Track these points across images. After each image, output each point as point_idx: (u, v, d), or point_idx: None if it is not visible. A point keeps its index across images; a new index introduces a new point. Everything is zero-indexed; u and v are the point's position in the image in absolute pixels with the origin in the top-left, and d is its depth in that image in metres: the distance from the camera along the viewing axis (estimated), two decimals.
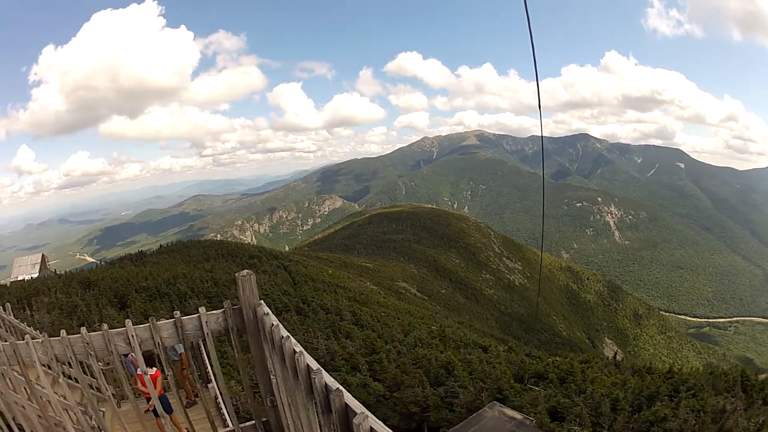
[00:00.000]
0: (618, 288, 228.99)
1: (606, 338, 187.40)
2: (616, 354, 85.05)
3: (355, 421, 3.15)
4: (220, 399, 12.14)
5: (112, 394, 14.54)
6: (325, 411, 3.76)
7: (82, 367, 15.79)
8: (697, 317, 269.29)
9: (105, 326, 5.54)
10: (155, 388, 11.19)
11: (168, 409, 11.42)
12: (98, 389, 14.83)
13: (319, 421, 4.09)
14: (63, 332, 5.64)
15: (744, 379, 26.92)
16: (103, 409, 12.05)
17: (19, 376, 8.88)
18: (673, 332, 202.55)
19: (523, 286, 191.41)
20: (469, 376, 28.65)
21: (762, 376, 30.30)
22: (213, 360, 6.03)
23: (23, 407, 7.20)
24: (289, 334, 4.72)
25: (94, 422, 8.73)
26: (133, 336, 5.48)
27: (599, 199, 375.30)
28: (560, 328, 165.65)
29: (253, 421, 6.39)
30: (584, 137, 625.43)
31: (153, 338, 5.56)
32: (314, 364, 4.08)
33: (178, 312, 5.68)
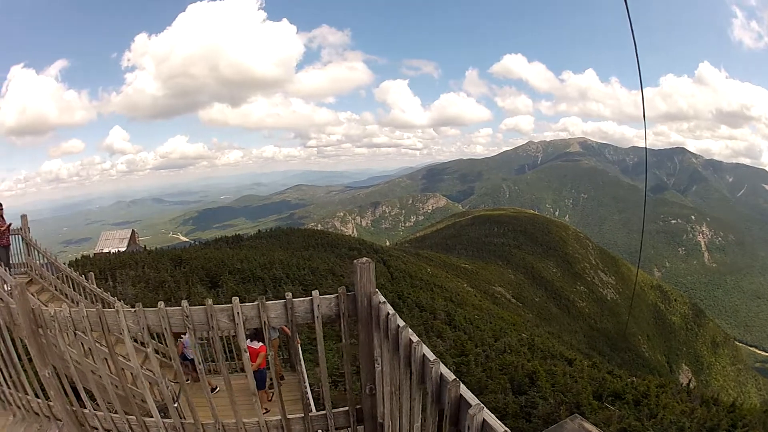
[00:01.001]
0: (701, 312, 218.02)
1: (683, 364, 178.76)
2: (690, 381, 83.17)
3: (471, 411, 3.19)
4: (306, 384, 12.16)
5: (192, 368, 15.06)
6: (435, 401, 3.83)
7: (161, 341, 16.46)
8: (767, 351, 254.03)
9: (209, 301, 5.57)
10: (254, 362, 11.67)
11: (261, 384, 12.12)
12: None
13: (423, 412, 4.23)
14: (161, 304, 5.65)
15: None
16: (177, 382, 12.31)
17: (103, 347, 9.12)
18: (742, 364, 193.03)
19: (613, 302, 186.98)
20: (551, 387, 28.75)
21: None
22: (320, 346, 5.96)
23: (99, 376, 7.34)
24: (406, 324, 4.66)
25: (169, 392, 8.93)
26: (238, 313, 5.51)
27: (693, 217, 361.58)
28: (643, 349, 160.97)
29: (347, 408, 6.39)
30: (681, 151, 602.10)
31: (260, 317, 5.56)
32: (431, 355, 4.08)
33: (289, 294, 5.66)
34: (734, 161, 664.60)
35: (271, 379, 12.64)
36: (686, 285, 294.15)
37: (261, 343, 11.91)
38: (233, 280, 54.07)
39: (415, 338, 4.39)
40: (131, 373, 10.49)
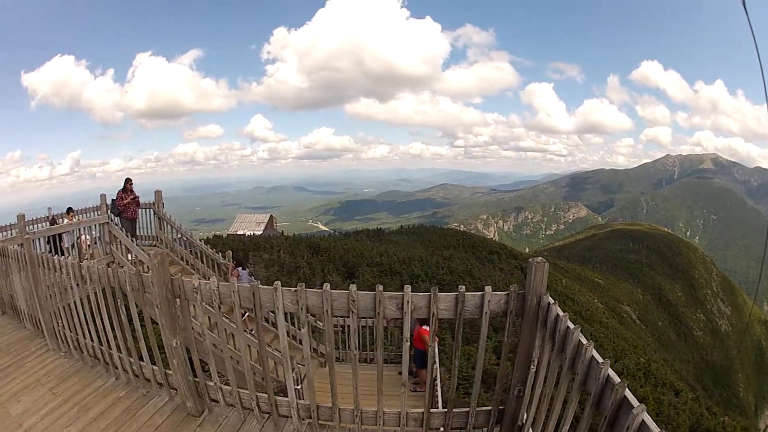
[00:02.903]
0: None
1: (766, 408, 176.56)
2: (766, 427, 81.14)
3: (634, 411, 3.34)
4: (438, 382, 12.67)
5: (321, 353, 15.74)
6: (595, 404, 3.92)
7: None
8: None
9: (380, 287, 5.58)
10: (420, 342, 12.69)
11: (422, 364, 12.83)
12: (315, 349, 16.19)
13: (576, 415, 4.32)
14: (327, 285, 5.71)
15: None
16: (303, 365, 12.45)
17: (252, 337, 9.14)
18: None
19: (726, 334, 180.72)
20: (655, 416, 27.88)
21: None
22: (482, 342, 5.87)
23: (236, 360, 7.33)
24: (577, 325, 4.62)
25: (295, 375, 8.82)
26: (408, 302, 5.52)
27: None
28: (740, 387, 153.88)
29: (490, 407, 6.32)
30: None
31: (429, 307, 5.55)
32: (599, 358, 4.12)
33: (463, 287, 5.61)
34: None
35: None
36: None
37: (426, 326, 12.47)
38: (370, 273, 55.15)
39: (585, 340, 4.44)
40: (256, 351, 10.95)
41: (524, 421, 5.80)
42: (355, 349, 5.88)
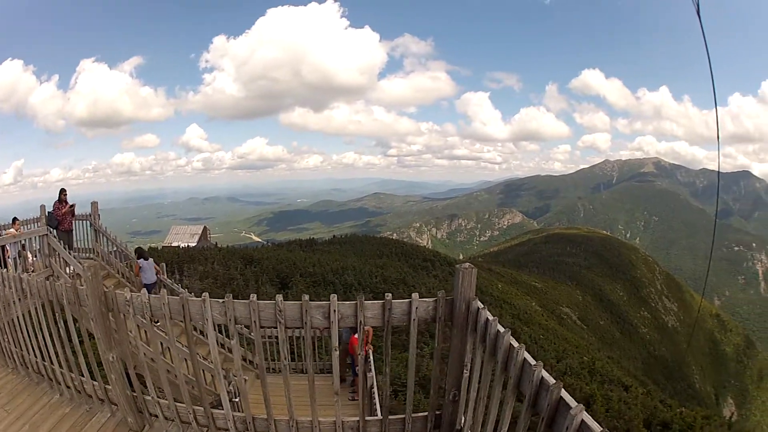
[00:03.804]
0: (752, 344, 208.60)
1: (729, 397, 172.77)
2: (732, 415, 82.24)
3: (572, 412, 3.36)
4: (375, 389, 12.75)
5: (255, 365, 15.33)
6: (531, 405, 3.95)
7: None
8: None
9: (305, 296, 5.59)
10: (353, 350, 12.88)
11: (356, 371, 12.87)
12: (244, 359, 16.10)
13: (515, 416, 4.26)
14: (253, 296, 5.73)
15: None
16: (246, 377, 12.38)
17: (183, 347, 9.18)
18: None
19: (674, 329, 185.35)
20: (605, 413, 28.81)
21: None
22: (411, 349, 5.82)
23: (174, 374, 7.39)
24: (507, 329, 4.70)
25: (231, 387, 8.87)
26: (335, 311, 5.55)
27: (754, 245, 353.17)
28: (695, 379, 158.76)
29: (426, 413, 6.36)
30: (746, 175, 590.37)
31: (356, 316, 5.59)
32: (532, 360, 4.15)
33: (389, 294, 5.66)
34: None
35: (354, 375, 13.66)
36: (742, 315, 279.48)
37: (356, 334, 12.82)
38: (304, 283, 54.84)
39: (516, 343, 4.48)
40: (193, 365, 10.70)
41: (462, 425, 5.90)
42: (285, 359, 5.97)
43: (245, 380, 12.35)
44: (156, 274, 17.46)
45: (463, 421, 5.88)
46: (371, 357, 14.62)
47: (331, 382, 12.98)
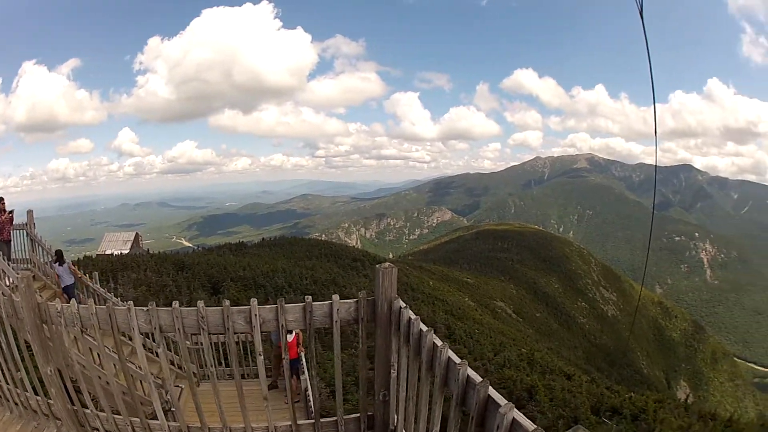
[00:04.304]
0: (701, 329, 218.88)
1: (681, 380, 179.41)
2: (687, 397, 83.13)
3: (501, 411, 3.27)
4: (310, 391, 12.51)
5: (194, 372, 15.09)
6: (459, 404, 3.89)
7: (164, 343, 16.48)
8: (765, 367, 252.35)
9: (226, 302, 5.55)
10: (290, 352, 12.62)
11: (292, 373, 12.53)
12: (179, 366, 15.53)
13: (445, 416, 4.25)
14: (176, 303, 5.66)
15: None
16: (181, 386, 12.31)
17: (113, 353, 9.11)
18: (740, 380, 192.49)
19: (614, 318, 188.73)
20: (549, 402, 28.75)
21: None
22: (336, 351, 5.93)
23: (107, 382, 7.34)
24: (430, 328, 4.74)
25: (168, 397, 8.86)
26: (256, 315, 5.49)
27: (696, 234, 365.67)
28: (642, 365, 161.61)
29: (359, 414, 6.39)
30: (687, 168, 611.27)
31: (277, 320, 5.56)
32: (456, 358, 4.18)
33: (309, 297, 5.70)
34: (740, 178, 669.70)
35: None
36: (687, 302, 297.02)
37: (293, 334, 12.92)
38: (235, 287, 54.45)
39: (439, 342, 4.48)
40: (131, 375, 10.55)
41: (396, 425, 5.92)
42: (212, 366, 6.02)
43: (181, 389, 12.34)
44: (73, 276, 17.14)
45: (396, 420, 5.91)
46: (304, 360, 14.50)
47: (267, 386, 13.07)
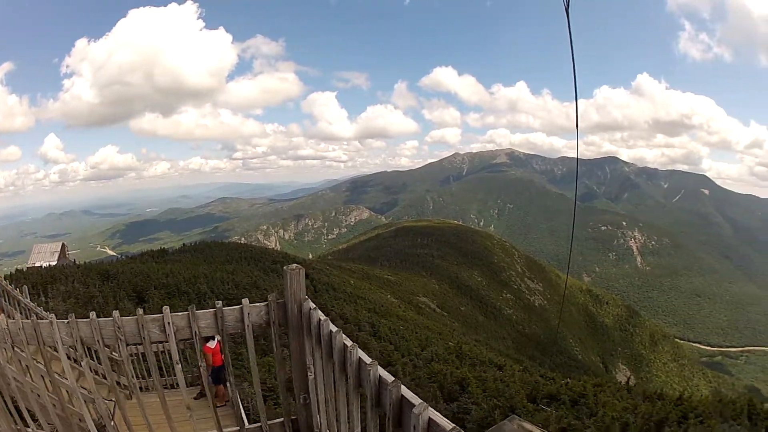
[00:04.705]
0: (636, 313, 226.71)
1: (620, 363, 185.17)
2: (629, 379, 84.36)
3: (415, 411, 3.20)
4: (237, 398, 12.31)
5: (123, 385, 14.82)
6: (375, 405, 3.82)
7: (93, 355, 16.16)
8: (711, 346, 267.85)
9: (140, 311, 5.46)
10: (214, 359, 12.50)
11: (219, 380, 12.50)
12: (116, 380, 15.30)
13: (363, 417, 4.17)
14: (93, 314, 5.51)
15: (750, 408, 26.87)
16: (112, 399, 12.15)
17: (40, 365, 8.94)
18: (686, 360, 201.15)
19: (542, 308, 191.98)
20: (482, 393, 28.67)
21: None
22: (251, 355, 5.83)
23: (38, 395, 7.22)
24: (339, 329, 4.68)
25: (105, 411, 8.72)
26: (169, 323, 5.42)
27: (624, 223, 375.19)
28: (576, 351, 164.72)
29: (282, 419, 6.30)
30: (613, 160, 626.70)
31: (190, 327, 5.48)
32: (367, 358, 4.13)
33: (220, 302, 5.61)
34: (670, 168, 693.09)
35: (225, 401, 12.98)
36: (618, 288, 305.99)
37: (216, 340, 12.57)
38: (159, 295, 53.86)
39: (349, 342, 4.44)
40: (67, 391, 10.40)
41: (320, 428, 5.82)
42: (132, 377, 5.97)
43: (112, 402, 12.24)
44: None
45: (319, 423, 5.85)
46: (228, 366, 14.31)
47: (195, 396, 12.85)
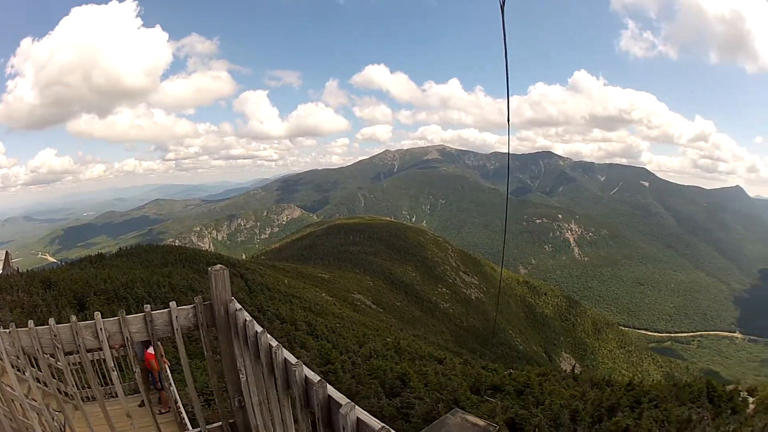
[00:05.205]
0: (576, 303, 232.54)
1: (563, 352, 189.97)
2: (574, 367, 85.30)
3: (342, 411, 3.14)
4: (179, 403, 11.90)
5: (71, 394, 14.68)
6: (305, 405, 3.76)
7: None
8: (659, 332, 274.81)
9: (73, 318, 5.33)
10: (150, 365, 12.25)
11: (163, 383, 12.11)
12: (60, 390, 15.04)
13: (295, 418, 4.14)
14: (30, 323, 5.37)
15: (710, 390, 27.27)
16: (59, 411, 12.00)
17: (10, 390, 8.80)
18: (632, 346, 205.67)
19: (479, 300, 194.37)
20: (424, 387, 28.81)
21: (729, 387, 30.76)
22: (182, 358, 5.70)
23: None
24: (264, 329, 4.62)
25: (56, 423, 8.59)
26: (101, 329, 5.29)
27: (559, 216, 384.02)
28: (516, 342, 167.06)
29: (220, 423, 6.21)
30: (548, 155, 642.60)
31: (122, 332, 5.36)
32: (293, 359, 4.06)
33: (149, 306, 5.51)
34: (608, 162, 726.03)
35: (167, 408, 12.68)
36: (556, 279, 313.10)
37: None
38: (99, 302, 53.33)
39: (274, 343, 4.39)
40: (20, 404, 10.31)
41: (257, 430, 5.66)
42: (73, 386, 5.89)
43: (60, 413, 12.08)
44: None
45: (257, 425, 5.69)
46: (168, 371, 14.20)
47: (139, 403, 12.72)
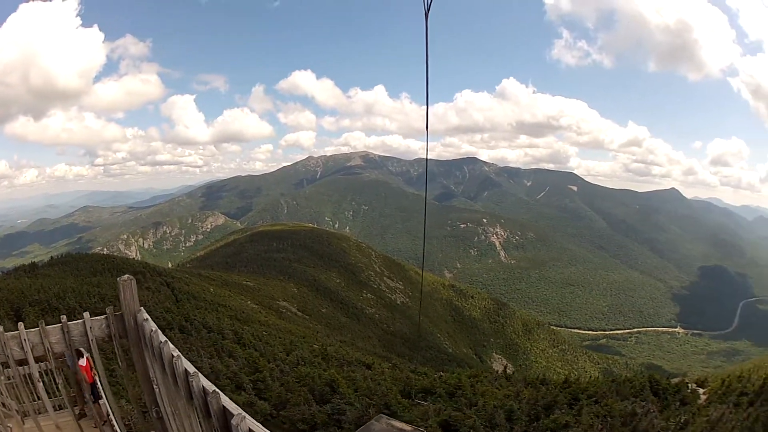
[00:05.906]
0: (504, 305, 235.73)
1: (494, 353, 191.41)
2: (506, 367, 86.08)
3: (233, 422, 3.26)
4: (111, 415, 12.03)
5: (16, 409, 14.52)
6: (206, 415, 3.81)
7: None
8: (592, 330, 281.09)
9: (0, 328, 5.36)
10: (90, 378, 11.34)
11: (97, 395, 11.54)
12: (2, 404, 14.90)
13: (201, 428, 4.16)
14: None
15: (653, 384, 27.73)
16: (10, 426, 11.86)
17: None
18: (566, 345, 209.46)
19: (404, 305, 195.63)
20: (354, 393, 28.77)
21: (675, 380, 31.25)
22: (99, 369, 6.03)
23: None
24: (167, 339, 4.61)
25: None
26: (25, 340, 5.33)
27: (484, 220, 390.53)
28: (445, 345, 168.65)
29: None
30: (472, 161, 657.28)
31: (43, 343, 5.42)
32: (191, 368, 4.15)
33: (64, 316, 5.59)
34: (534, 167, 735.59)
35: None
36: (483, 282, 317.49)
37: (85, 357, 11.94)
38: (34, 312, 52.77)
39: (176, 353, 4.46)
40: None
41: None
42: (11, 400, 5.88)
43: (10, 428, 11.94)
44: None
45: None
46: (99, 383, 14.06)
47: (77, 415, 12.67)
